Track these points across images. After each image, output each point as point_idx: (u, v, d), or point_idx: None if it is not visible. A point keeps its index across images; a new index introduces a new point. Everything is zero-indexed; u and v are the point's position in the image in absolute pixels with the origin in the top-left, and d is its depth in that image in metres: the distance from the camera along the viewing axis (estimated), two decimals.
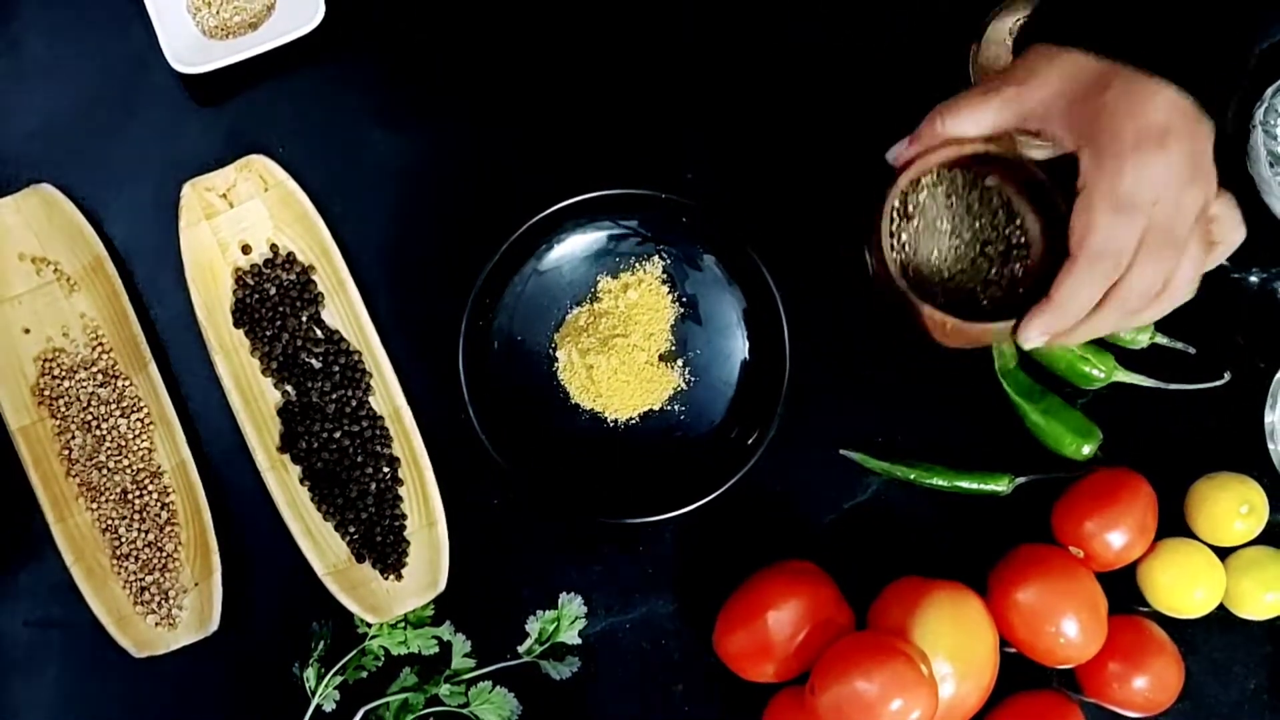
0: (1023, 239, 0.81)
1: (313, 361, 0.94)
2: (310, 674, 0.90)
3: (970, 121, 0.79)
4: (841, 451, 0.95)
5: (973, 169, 0.82)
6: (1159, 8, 0.77)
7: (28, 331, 0.93)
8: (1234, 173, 0.96)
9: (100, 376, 0.93)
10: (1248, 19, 0.78)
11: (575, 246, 0.95)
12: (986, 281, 0.82)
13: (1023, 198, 0.81)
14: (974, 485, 0.94)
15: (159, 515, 0.92)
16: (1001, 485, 0.94)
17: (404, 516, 0.93)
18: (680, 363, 0.95)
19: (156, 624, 0.91)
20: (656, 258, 0.95)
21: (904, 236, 0.82)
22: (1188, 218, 0.74)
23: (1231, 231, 0.78)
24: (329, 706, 0.90)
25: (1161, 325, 0.95)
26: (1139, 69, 0.75)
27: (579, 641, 0.93)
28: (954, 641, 0.87)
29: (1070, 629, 0.88)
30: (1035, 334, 0.76)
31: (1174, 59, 0.75)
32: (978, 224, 0.83)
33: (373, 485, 0.93)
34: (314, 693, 0.90)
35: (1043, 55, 0.78)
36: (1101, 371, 0.94)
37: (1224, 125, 0.77)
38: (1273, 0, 0.78)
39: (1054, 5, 0.80)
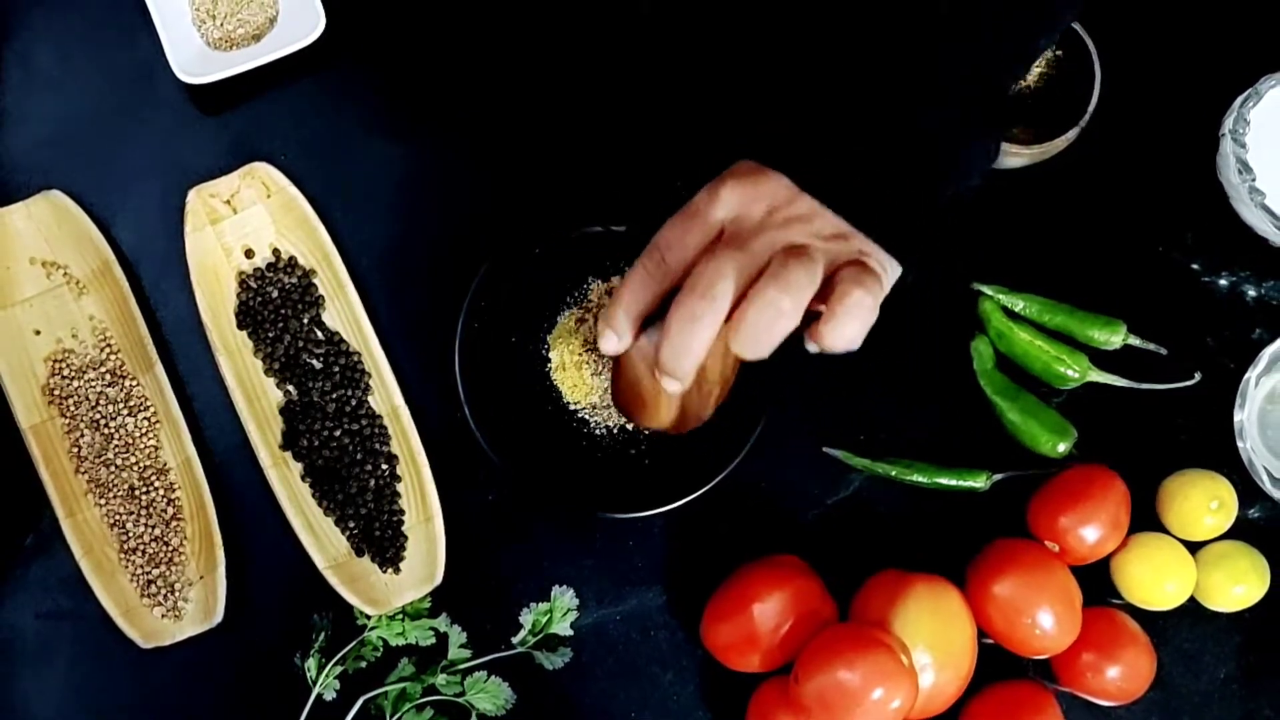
0: None
1: (313, 362, 0.94)
2: (311, 664, 0.90)
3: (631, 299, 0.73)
4: (825, 449, 0.95)
5: None
6: (857, 163, 0.73)
7: (38, 333, 0.93)
8: (1204, 180, 0.98)
9: (108, 376, 0.93)
10: (935, 184, 0.74)
11: (567, 251, 0.94)
12: None
13: None
14: (953, 482, 0.94)
15: (165, 511, 0.92)
16: (979, 482, 0.94)
17: (402, 512, 0.93)
18: None
19: (163, 616, 0.91)
20: None
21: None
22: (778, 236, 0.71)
23: (889, 263, 0.73)
24: (329, 696, 0.90)
25: (1134, 327, 0.95)
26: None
27: (571, 633, 0.93)
28: (933, 633, 0.87)
29: (1046, 620, 0.88)
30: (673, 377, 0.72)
31: (871, 217, 0.72)
32: None
33: (372, 482, 0.93)
34: (315, 682, 0.90)
35: (742, 173, 0.74)
36: (1076, 372, 0.94)
37: (906, 275, 0.74)
38: (955, 161, 0.75)
39: (769, 131, 0.76)
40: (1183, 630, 0.95)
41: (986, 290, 0.96)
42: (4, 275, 0.94)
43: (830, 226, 0.72)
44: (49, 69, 0.98)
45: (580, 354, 0.94)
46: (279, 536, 0.92)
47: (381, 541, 0.93)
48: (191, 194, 0.94)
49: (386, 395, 0.94)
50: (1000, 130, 0.77)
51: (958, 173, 0.75)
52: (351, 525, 0.93)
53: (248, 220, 0.95)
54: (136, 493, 0.93)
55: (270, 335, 0.94)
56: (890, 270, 0.73)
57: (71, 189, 0.95)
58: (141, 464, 0.93)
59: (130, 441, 0.93)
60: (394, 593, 0.91)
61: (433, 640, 0.92)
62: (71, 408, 0.93)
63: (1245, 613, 0.94)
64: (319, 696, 0.90)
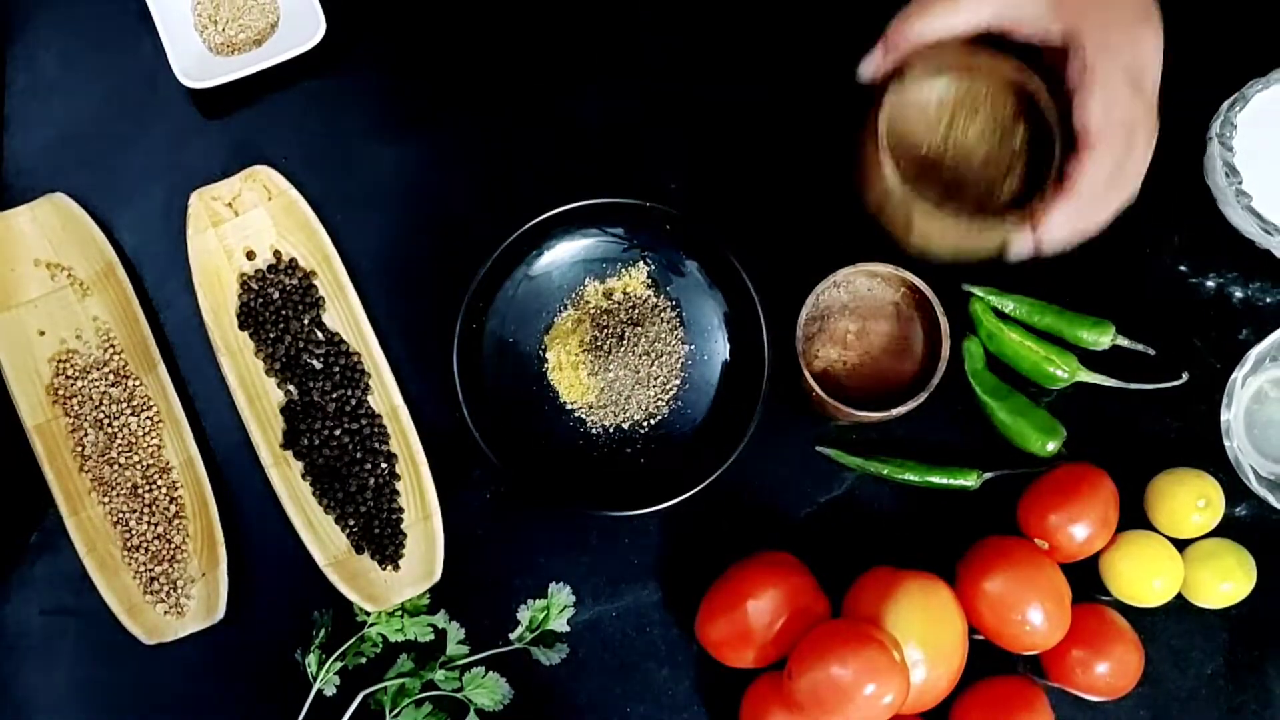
0: (1015, 151, 0.79)
1: (314, 362, 0.94)
2: (312, 660, 0.90)
3: (943, 20, 0.72)
4: (818, 448, 0.95)
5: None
6: None
7: (43, 334, 0.94)
8: (1191, 183, 0.98)
9: (112, 377, 0.94)
10: None
11: (564, 253, 0.95)
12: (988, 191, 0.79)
13: (1009, 111, 0.78)
14: (944, 480, 0.94)
15: (168, 509, 0.93)
16: (970, 480, 0.94)
17: (401, 510, 0.93)
18: None
19: (165, 612, 0.91)
20: (641, 263, 0.95)
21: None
22: (1157, 86, 0.72)
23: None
24: (329, 691, 0.90)
25: (1122, 328, 0.95)
26: None
27: (568, 629, 0.93)
28: (925, 629, 0.87)
29: (1035, 617, 0.88)
30: (1060, 230, 0.71)
31: None
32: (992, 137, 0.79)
33: (371, 480, 0.93)
34: (315, 678, 0.90)
35: None
36: (1065, 372, 0.94)
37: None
38: None
39: None
40: (1170, 626, 0.95)
41: (977, 291, 0.97)
42: (9, 277, 0.94)
43: None
44: (53, 74, 0.98)
45: (577, 354, 0.94)
46: (280, 534, 0.92)
47: (381, 539, 0.93)
48: (193, 197, 0.95)
49: (386, 395, 0.94)
50: None
51: None
52: (351, 523, 0.93)
53: (249, 223, 0.95)
54: (139, 491, 0.93)
55: (271, 336, 0.95)
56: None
57: (75, 192, 0.96)
58: (144, 463, 0.93)
59: (133, 440, 0.93)
60: (393, 589, 0.92)
61: (431, 636, 0.92)
62: (75, 407, 0.93)
63: (1232, 609, 0.94)
64: (319, 692, 0.90)
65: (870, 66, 0.75)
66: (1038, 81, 0.76)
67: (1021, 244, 0.74)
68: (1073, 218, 0.72)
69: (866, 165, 0.78)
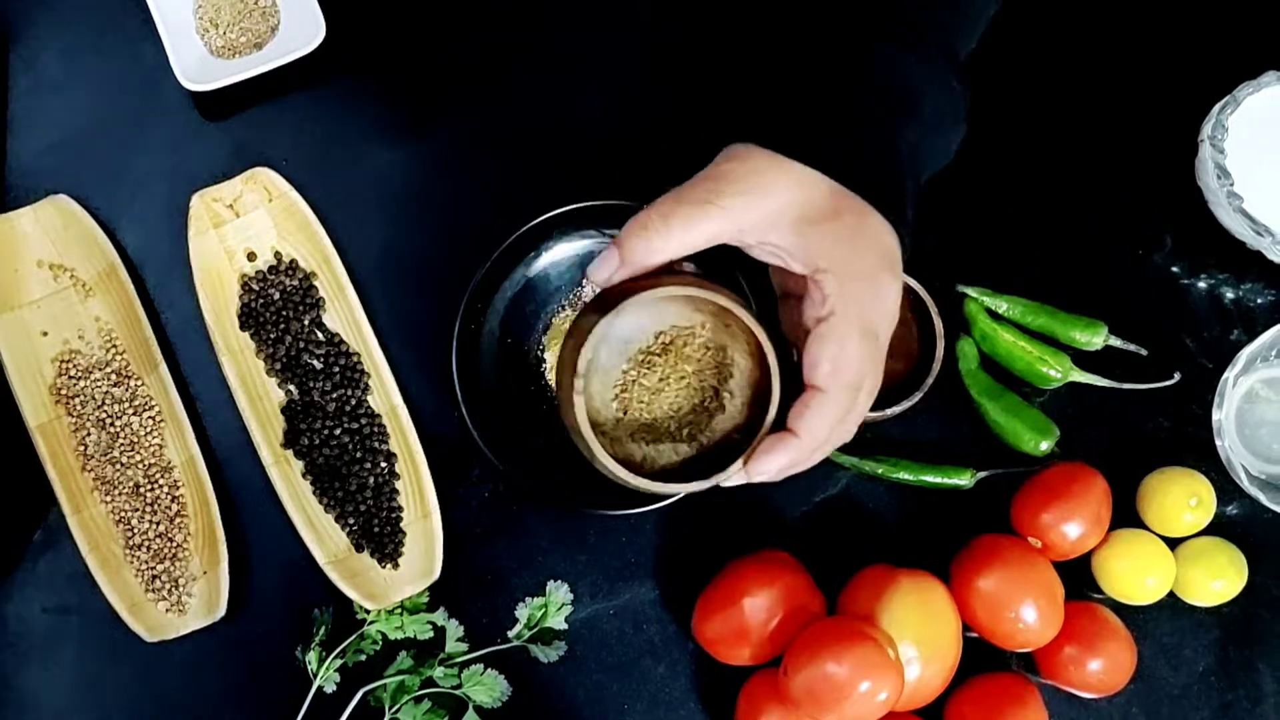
0: (730, 386, 0.76)
1: (314, 362, 0.95)
2: (312, 657, 0.90)
3: (687, 231, 0.69)
4: None
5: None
6: (875, 146, 0.72)
7: (46, 334, 0.94)
8: (1183, 185, 0.99)
9: (114, 377, 0.94)
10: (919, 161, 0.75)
11: (562, 254, 0.95)
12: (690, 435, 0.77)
13: (723, 331, 0.75)
14: (938, 479, 0.94)
15: (169, 507, 0.93)
16: (964, 479, 0.94)
17: (400, 509, 0.93)
18: None
19: (167, 610, 0.92)
20: None
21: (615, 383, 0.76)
22: (889, 336, 0.72)
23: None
24: (330, 688, 0.90)
25: (1115, 328, 0.95)
26: (858, 195, 0.71)
27: (566, 627, 0.93)
28: (919, 626, 0.87)
29: (1029, 615, 0.89)
30: (773, 466, 0.71)
31: (886, 194, 0.72)
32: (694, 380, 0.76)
33: (371, 479, 0.93)
34: (316, 675, 0.90)
35: (767, 164, 0.70)
36: (1058, 372, 0.95)
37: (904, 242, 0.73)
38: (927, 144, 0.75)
39: (783, 116, 0.73)
40: (1162, 624, 0.95)
41: (971, 292, 0.97)
42: (12, 278, 0.94)
43: None
44: (56, 77, 0.99)
45: None
46: (280, 533, 0.92)
47: (380, 537, 0.93)
48: (195, 198, 0.95)
49: (385, 395, 0.95)
50: (963, 102, 0.76)
51: (919, 121, 0.74)
52: (351, 522, 0.93)
53: (250, 224, 0.96)
54: (141, 490, 0.93)
55: (272, 336, 0.95)
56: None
57: (78, 193, 0.96)
58: (146, 462, 0.94)
59: (135, 440, 0.94)
60: (393, 587, 0.92)
61: (430, 634, 0.93)
62: (78, 407, 0.94)
63: (1223, 607, 0.95)
64: (319, 689, 0.90)
65: (603, 273, 0.71)
66: (757, 326, 0.72)
67: (732, 477, 0.73)
68: (794, 459, 0.71)
69: (561, 386, 0.73)
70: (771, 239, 0.70)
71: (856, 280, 0.70)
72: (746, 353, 0.76)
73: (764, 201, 0.70)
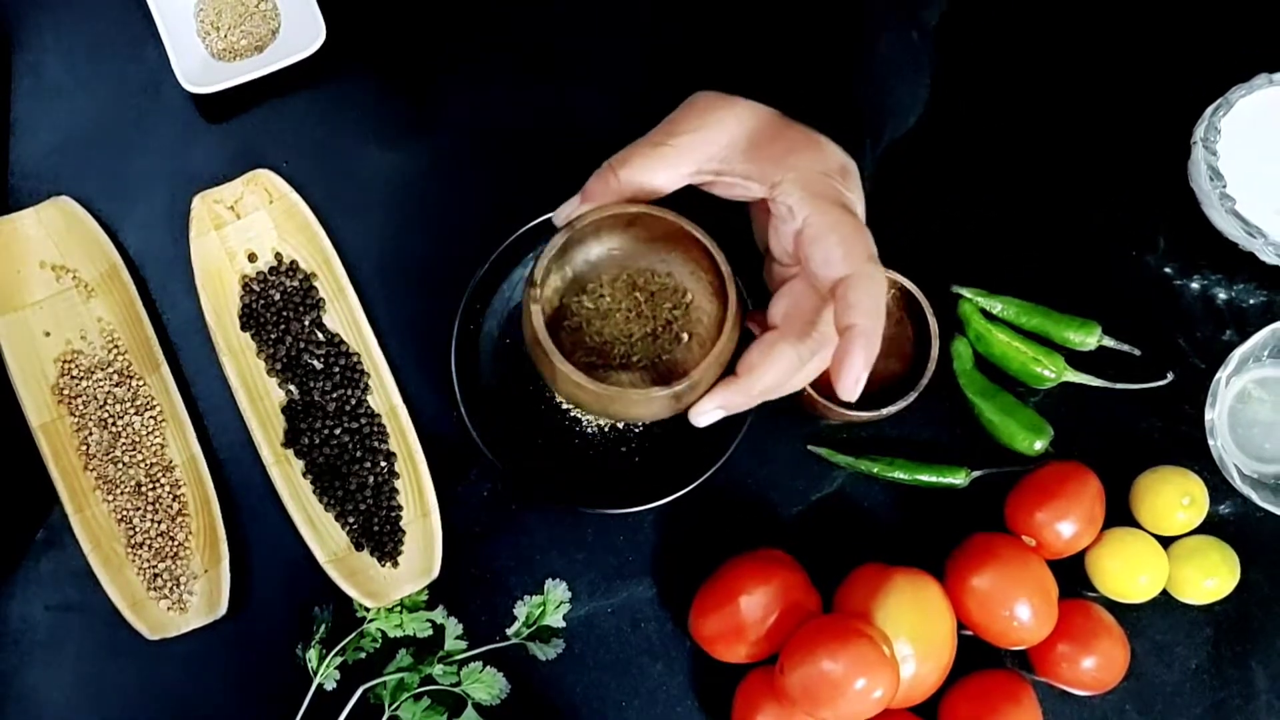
0: (687, 318, 0.81)
1: (314, 363, 0.95)
2: (312, 655, 0.91)
3: (644, 171, 0.74)
4: (809, 447, 0.96)
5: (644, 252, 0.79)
6: (823, 77, 0.76)
7: (48, 335, 0.94)
8: (1176, 186, 0.99)
9: (116, 377, 0.94)
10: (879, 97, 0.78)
11: None
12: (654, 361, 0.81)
13: (689, 276, 0.80)
14: (933, 478, 0.95)
15: (171, 506, 0.93)
16: (959, 478, 0.95)
17: (400, 508, 0.93)
18: None
19: (168, 608, 0.92)
20: None
21: (576, 308, 0.81)
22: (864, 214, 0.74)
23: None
24: (330, 685, 0.90)
25: (1108, 329, 0.96)
26: (807, 126, 0.74)
27: (564, 624, 0.94)
28: (914, 624, 0.88)
29: (1023, 613, 0.89)
30: (712, 410, 0.73)
31: (836, 121, 0.75)
32: (649, 309, 0.81)
33: (371, 478, 0.93)
34: (316, 673, 0.90)
35: (714, 102, 0.75)
36: (1052, 372, 0.95)
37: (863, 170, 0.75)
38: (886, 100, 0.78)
39: (727, 62, 0.78)
40: (1155, 622, 0.96)
41: (966, 293, 0.97)
42: (15, 279, 0.94)
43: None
44: (58, 79, 0.99)
45: None
46: (281, 531, 0.93)
47: (380, 536, 0.93)
48: (196, 200, 0.95)
49: (385, 395, 0.95)
50: (925, 60, 0.79)
51: (874, 57, 0.76)
52: (351, 520, 0.93)
53: (251, 225, 0.96)
54: (143, 489, 0.93)
55: (272, 337, 0.95)
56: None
57: (80, 195, 0.96)
58: (148, 461, 0.94)
59: (137, 439, 0.94)
60: (392, 586, 0.92)
61: (430, 632, 0.93)
62: (80, 407, 0.94)
63: (1216, 605, 0.95)
64: (319, 686, 0.91)
65: (565, 212, 0.76)
66: (712, 243, 0.76)
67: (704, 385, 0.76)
68: (867, 349, 0.71)
69: (525, 306, 0.78)
70: (726, 170, 0.74)
71: (815, 181, 0.72)
72: (711, 294, 0.80)
73: (714, 135, 0.74)
